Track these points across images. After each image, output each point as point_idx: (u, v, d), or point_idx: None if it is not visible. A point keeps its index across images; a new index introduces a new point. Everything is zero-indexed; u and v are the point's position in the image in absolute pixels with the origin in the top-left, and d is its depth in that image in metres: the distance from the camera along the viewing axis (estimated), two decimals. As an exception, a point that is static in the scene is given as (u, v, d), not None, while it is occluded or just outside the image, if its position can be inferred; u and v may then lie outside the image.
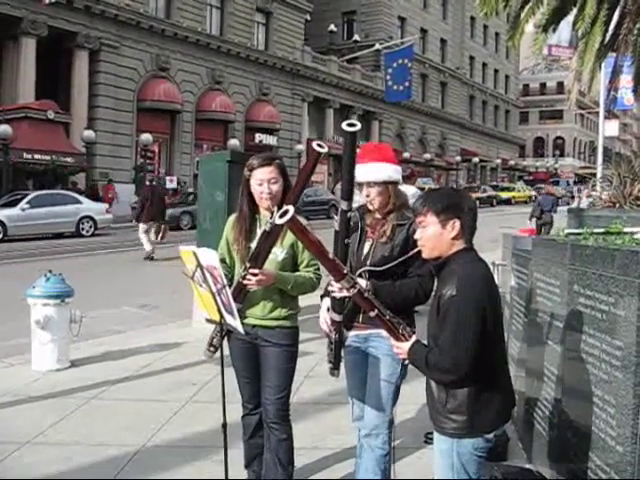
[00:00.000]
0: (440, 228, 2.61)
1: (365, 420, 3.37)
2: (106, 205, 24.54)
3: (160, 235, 16.62)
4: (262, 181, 3.39)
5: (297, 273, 3.45)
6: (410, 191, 9.90)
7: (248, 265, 3.26)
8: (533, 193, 50.42)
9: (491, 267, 5.23)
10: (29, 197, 21.06)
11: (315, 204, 28.40)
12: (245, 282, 3.26)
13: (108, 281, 12.34)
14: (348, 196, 3.07)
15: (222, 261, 3.50)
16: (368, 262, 3.28)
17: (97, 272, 11.71)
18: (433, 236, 2.63)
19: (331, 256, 2.72)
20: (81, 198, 22.87)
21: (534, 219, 18.11)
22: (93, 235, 21.88)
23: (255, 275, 3.23)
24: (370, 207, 3.33)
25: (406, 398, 5.06)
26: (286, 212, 2.55)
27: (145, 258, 15.56)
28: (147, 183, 18.20)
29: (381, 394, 3.32)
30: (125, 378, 6.15)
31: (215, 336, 3.41)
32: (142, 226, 15.73)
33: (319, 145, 3.01)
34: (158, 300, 10.55)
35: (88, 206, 22.57)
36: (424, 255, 2.72)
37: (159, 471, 4.19)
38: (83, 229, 22.04)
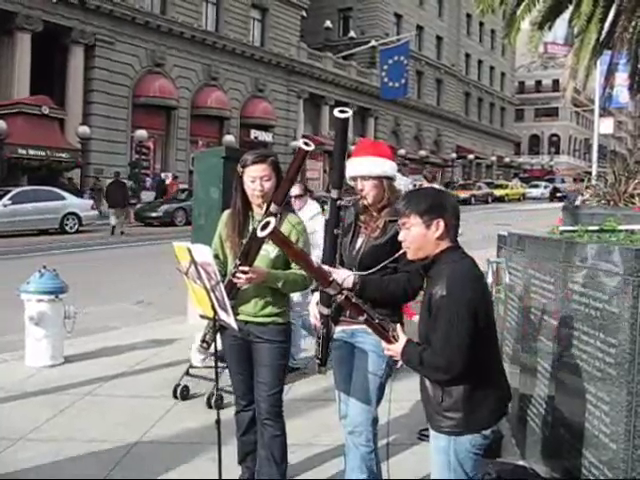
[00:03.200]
0: (424, 229, 2.61)
1: (348, 417, 3.36)
2: (91, 201, 24.05)
3: (124, 217, 22.35)
4: (255, 178, 3.37)
5: (289, 271, 3.43)
6: None
7: (238, 263, 3.25)
8: (529, 190, 50.55)
9: (486, 264, 5.26)
10: (11, 193, 20.67)
11: None
12: (235, 280, 3.25)
13: (102, 277, 12.31)
14: (338, 184, 3.06)
15: (215, 257, 3.50)
16: (359, 258, 3.28)
17: (91, 268, 11.70)
18: (418, 237, 2.63)
19: (316, 265, 2.72)
20: (65, 194, 22.36)
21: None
22: (77, 232, 21.49)
23: (245, 273, 3.23)
24: (364, 202, 3.32)
25: (399, 395, 5.09)
26: (267, 225, 2.54)
27: (111, 233, 21.04)
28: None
29: (365, 389, 3.31)
30: (119, 374, 6.14)
31: (207, 332, 3.41)
32: (111, 210, 21.84)
33: (306, 143, 3.00)
34: (153, 296, 10.53)
35: (72, 202, 22.16)
36: (409, 256, 2.71)
37: (153, 468, 4.18)
38: (67, 225, 21.65)
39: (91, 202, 23.83)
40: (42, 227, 21.13)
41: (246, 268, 3.22)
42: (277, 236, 2.59)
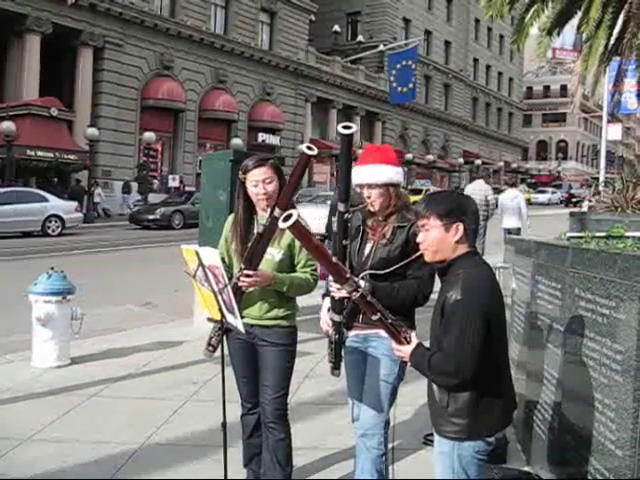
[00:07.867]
0: (443, 231, 2.60)
1: (361, 420, 3.38)
2: (75, 203, 22.88)
3: None
4: (257, 182, 3.38)
5: (294, 274, 3.45)
6: (513, 194, 12.75)
7: (242, 266, 3.27)
8: (535, 196, 50.45)
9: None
10: None
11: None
12: (240, 283, 3.27)
13: (107, 279, 12.34)
14: (345, 198, 3.07)
15: (222, 260, 3.51)
16: (369, 263, 3.28)
17: (97, 271, 11.75)
18: (436, 239, 2.62)
19: (334, 260, 2.72)
20: (48, 196, 21.61)
21: None
22: (60, 235, 20.69)
23: (249, 276, 3.24)
24: (371, 209, 3.33)
25: (405, 399, 5.08)
26: (290, 216, 2.54)
27: None
28: None
29: (378, 394, 3.32)
30: (126, 376, 6.15)
31: (213, 335, 3.43)
32: None
33: (309, 147, 3.00)
34: (160, 298, 10.55)
35: (55, 204, 21.40)
36: (427, 259, 2.71)
37: (159, 469, 4.19)
38: (49, 228, 20.80)
39: (75, 204, 22.76)
40: (24, 229, 20.28)
41: (250, 272, 3.24)
42: (298, 228, 2.59)
